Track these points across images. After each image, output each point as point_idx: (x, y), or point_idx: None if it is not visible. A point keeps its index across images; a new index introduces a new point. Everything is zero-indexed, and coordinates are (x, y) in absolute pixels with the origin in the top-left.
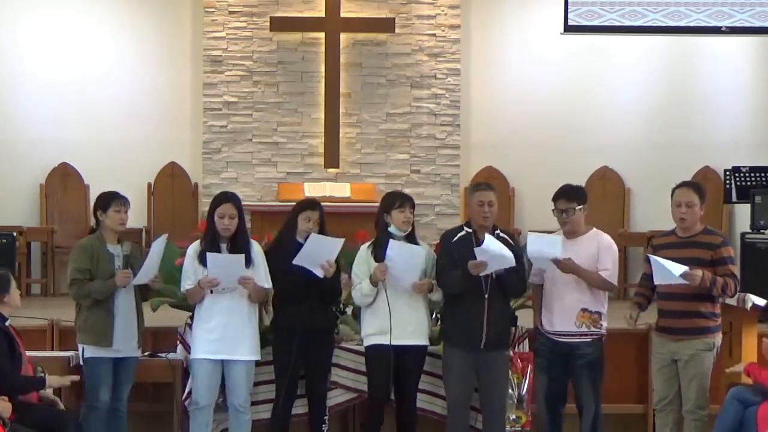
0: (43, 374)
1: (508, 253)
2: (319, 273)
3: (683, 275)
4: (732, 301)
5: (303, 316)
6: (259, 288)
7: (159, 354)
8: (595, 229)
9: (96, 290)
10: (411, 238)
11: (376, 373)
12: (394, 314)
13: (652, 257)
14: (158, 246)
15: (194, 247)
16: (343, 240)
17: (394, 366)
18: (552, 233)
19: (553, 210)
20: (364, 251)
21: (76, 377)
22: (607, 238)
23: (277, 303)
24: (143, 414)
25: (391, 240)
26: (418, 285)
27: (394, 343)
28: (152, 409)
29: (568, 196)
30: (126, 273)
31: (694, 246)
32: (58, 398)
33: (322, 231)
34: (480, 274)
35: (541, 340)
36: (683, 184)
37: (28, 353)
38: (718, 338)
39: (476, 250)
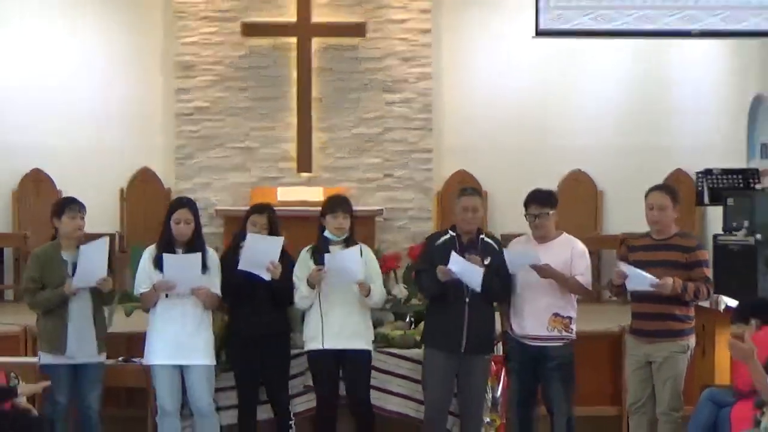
0: (16, 381)
1: (478, 271)
2: (266, 276)
3: (653, 286)
4: (705, 303)
5: (251, 321)
6: (212, 295)
7: (132, 359)
8: (565, 234)
9: (45, 299)
10: (349, 243)
11: (317, 379)
12: (327, 319)
13: (623, 265)
14: (94, 250)
15: (149, 251)
16: (282, 239)
17: (337, 370)
18: (520, 237)
19: (525, 215)
20: (304, 254)
21: (48, 383)
22: (580, 244)
23: (229, 309)
24: (117, 419)
25: (326, 254)
26: (359, 286)
27: (328, 347)
28: (126, 414)
29: (540, 201)
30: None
31: (669, 249)
32: (32, 405)
33: (272, 235)
34: (445, 279)
35: (512, 344)
36: (656, 188)
37: (1, 359)
38: (692, 340)
39: (453, 256)
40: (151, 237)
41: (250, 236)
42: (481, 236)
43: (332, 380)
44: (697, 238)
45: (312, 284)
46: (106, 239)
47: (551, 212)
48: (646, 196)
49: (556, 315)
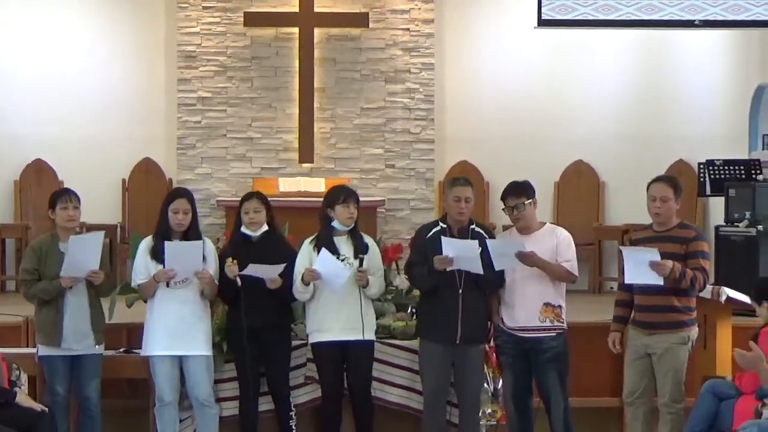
0: (18, 372)
1: (473, 244)
2: (270, 285)
3: (652, 264)
4: (706, 294)
5: (253, 312)
6: (213, 282)
7: (133, 350)
8: (548, 224)
9: (41, 291)
10: (354, 232)
11: (323, 371)
12: (331, 311)
13: (624, 249)
14: (87, 240)
15: (146, 243)
16: (283, 266)
17: (341, 361)
18: (503, 232)
19: (503, 209)
20: (306, 246)
21: (46, 409)
22: (565, 232)
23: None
24: (118, 410)
25: (444, 239)
26: (357, 275)
27: (336, 339)
28: (127, 405)
29: (516, 192)
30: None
31: (670, 240)
32: (33, 399)
33: (271, 222)
34: (447, 270)
35: (504, 337)
36: (658, 179)
37: (2, 350)
38: (693, 332)
39: (443, 240)
40: (153, 227)
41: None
42: (472, 226)
43: (338, 373)
44: (696, 229)
45: (306, 282)
46: (101, 234)
47: (528, 201)
48: (648, 187)
49: (547, 305)
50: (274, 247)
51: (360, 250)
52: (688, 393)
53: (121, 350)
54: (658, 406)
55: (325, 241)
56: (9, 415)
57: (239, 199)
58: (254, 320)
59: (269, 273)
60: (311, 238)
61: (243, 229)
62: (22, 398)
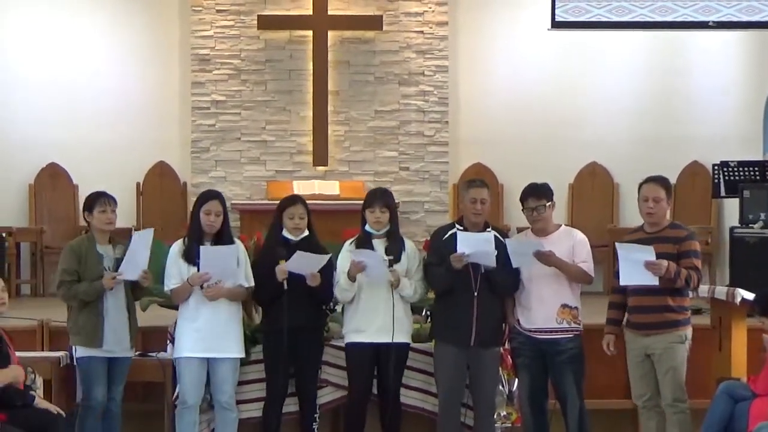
0: (33, 376)
1: (488, 237)
2: (310, 282)
3: (647, 264)
4: (721, 296)
5: (290, 314)
6: (236, 290)
7: (149, 353)
8: (564, 225)
9: (82, 292)
10: (392, 236)
11: (354, 372)
12: (371, 312)
13: (620, 246)
14: (142, 238)
15: (178, 246)
16: (329, 256)
17: (374, 364)
18: (519, 233)
19: (522, 210)
20: (347, 247)
21: (62, 412)
22: (580, 233)
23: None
24: (134, 413)
25: (459, 234)
26: (391, 275)
27: (372, 340)
28: (143, 408)
29: (537, 194)
30: (113, 275)
31: (661, 241)
32: (49, 401)
33: (309, 227)
34: (461, 266)
35: (520, 339)
36: (650, 180)
37: (18, 354)
38: (689, 331)
39: (459, 235)
40: (168, 230)
41: (298, 253)
42: (488, 228)
43: (369, 375)
44: (687, 228)
45: (351, 277)
46: (152, 231)
47: (549, 204)
48: (639, 188)
49: (564, 306)
50: (313, 251)
51: (389, 252)
52: (703, 395)
53: (137, 353)
54: (663, 408)
55: (362, 243)
56: (24, 415)
57: (253, 202)
58: (296, 320)
59: (312, 265)
60: (351, 239)
61: (285, 233)
62: (39, 401)
